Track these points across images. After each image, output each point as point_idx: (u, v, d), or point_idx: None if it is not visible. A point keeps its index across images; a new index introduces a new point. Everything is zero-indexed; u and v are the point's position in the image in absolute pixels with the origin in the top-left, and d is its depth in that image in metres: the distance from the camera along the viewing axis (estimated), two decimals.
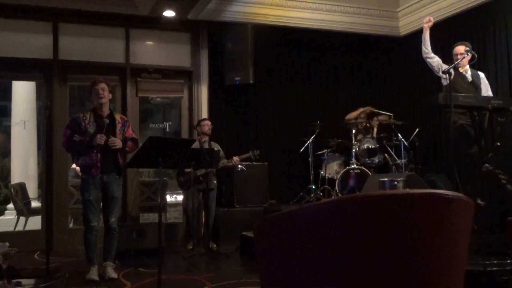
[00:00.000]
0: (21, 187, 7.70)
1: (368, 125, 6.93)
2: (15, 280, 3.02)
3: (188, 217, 5.98)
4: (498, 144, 4.71)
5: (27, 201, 7.57)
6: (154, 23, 6.61)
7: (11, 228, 7.08)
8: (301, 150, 6.76)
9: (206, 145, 5.82)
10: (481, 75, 5.33)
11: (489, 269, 2.97)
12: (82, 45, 6.45)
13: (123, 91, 6.68)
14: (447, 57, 5.64)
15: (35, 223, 6.84)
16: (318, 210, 1.50)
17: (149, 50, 6.87)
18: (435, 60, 5.27)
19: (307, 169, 6.70)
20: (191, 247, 5.81)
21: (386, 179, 4.30)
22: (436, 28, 6.96)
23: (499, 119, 4.79)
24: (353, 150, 6.50)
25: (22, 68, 6.39)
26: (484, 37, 6.31)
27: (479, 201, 4.02)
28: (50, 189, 6.18)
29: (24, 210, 7.25)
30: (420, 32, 7.32)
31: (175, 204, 8.55)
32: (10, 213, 8.20)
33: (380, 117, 7.08)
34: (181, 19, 6.57)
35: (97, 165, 4.33)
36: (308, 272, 1.51)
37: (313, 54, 7.59)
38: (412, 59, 7.34)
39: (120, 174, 4.54)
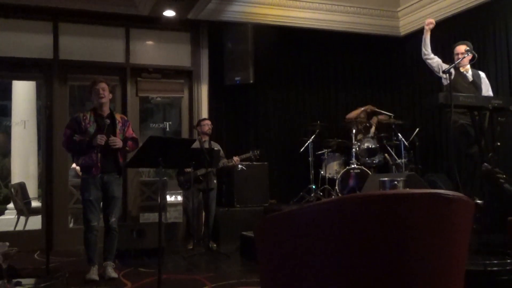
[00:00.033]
0: (21, 186, 7.71)
1: (368, 124, 6.93)
2: (15, 280, 3.02)
3: (188, 217, 5.98)
4: (499, 144, 4.71)
5: (27, 200, 7.57)
6: (154, 23, 6.61)
7: (11, 228, 7.08)
8: (301, 150, 6.76)
9: (206, 145, 5.82)
10: (482, 74, 5.33)
11: (489, 269, 2.97)
12: (82, 45, 6.45)
13: (123, 91, 6.68)
14: (447, 57, 5.64)
15: (35, 223, 6.84)
16: (318, 210, 1.50)
17: (149, 50, 6.87)
18: (434, 61, 5.26)
19: (307, 169, 6.69)
20: (191, 247, 5.81)
21: (386, 179, 4.31)
22: (436, 28, 6.94)
23: (499, 118, 4.79)
24: (353, 150, 6.49)
25: (22, 67, 6.40)
26: (484, 37, 6.31)
27: (477, 200, 4.02)
28: (50, 189, 6.18)
29: (24, 209, 7.25)
30: (420, 32, 7.32)
31: (175, 204, 8.55)
32: (10, 213, 8.20)
33: (380, 116, 7.08)
34: (181, 19, 6.57)
35: (97, 165, 4.33)
36: (308, 272, 1.51)
37: (314, 54, 7.59)
38: (412, 59, 7.34)
39: (120, 174, 4.54)
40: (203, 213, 6.13)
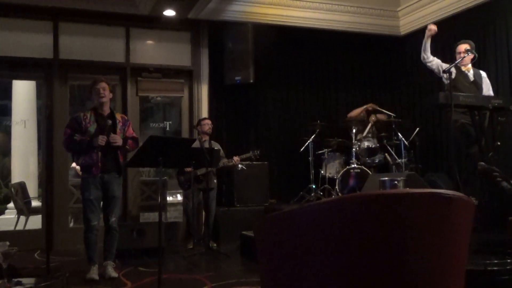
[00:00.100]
0: (21, 186, 7.71)
1: (368, 121, 6.94)
2: (15, 279, 3.02)
3: (188, 216, 5.98)
4: (499, 143, 4.72)
5: (27, 200, 7.57)
6: (155, 23, 6.61)
7: (11, 227, 7.08)
8: (302, 150, 6.75)
9: (206, 145, 5.82)
10: (483, 74, 5.33)
11: (489, 268, 2.97)
12: (83, 44, 6.45)
13: (123, 91, 6.68)
14: (448, 56, 5.65)
15: (35, 222, 6.85)
16: (319, 210, 1.50)
17: (150, 50, 6.87)
18: (434, 63, 5.25)
19: (308, 168, 6.69)
20: (191, 247, 5.81)
21: (386, 178, 4.31)
22: (436, 28, 6.95)
23: (499, 118, 4.80)
24: (354, 149, 6.49)
25: (23, 67, 6.40)
26: (485, 37, 6.30)
27: (473, 199, 4.01)
28: (50, 189, 6.18)
29: (24, 209, 7.25)
30: (421, 31, 7.31)
31: (175, 204, 8.55)
32: (11, 212, 8.21)
33: (378, 115, 7.08)
34: (182, 18, 6.57)
35: (98, 165, 4.33)
36: (308, 272, 1.51)
37: (314, 53, 7.59)
38: (413, 58, 7.33)
39: (120, 173, 4.54)
40: (203, 213, 6.14)
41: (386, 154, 6.65)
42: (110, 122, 4.39)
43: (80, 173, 4.92)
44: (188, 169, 5.61)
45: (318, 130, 6.73)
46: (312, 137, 6.70)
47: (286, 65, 7.48)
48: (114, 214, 4.47)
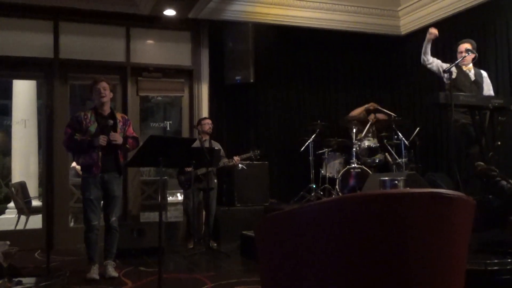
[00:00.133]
0: (22, 186, 7.71)
1: (369, 120, 6.94)
2: (16, 279, 3.02)
3: (189, 216, 5.98)
4: (499, 143, 4.71)
5: (27, 200, 7.57)
6: (155, 22, 6.61)
7: (11, 227, 7.08)
8: (302, 149, 6.75)
9: (206, 144, 5.82)
10: (484, 74, 5.33)
11: (489, 268, 2.97)
12: (83, 44, 6.45)
13: (123, 90, 6.68)
14: (448, 56, 5.64)
15: (35, 222, 6.84)
16: (319, 209, 1.50)
17: (150, 49, 6.87)
18: (434, 65, 5.25)
19: (308, 168, 6.69)
20: (191, 246, 5.81)
21: (386, 178, 4.30)
22: (437, 27, 6.93)
23: (499, 118, 4.79)
24: (354, 149, 6.49)
25: (23, 67, 6.40)
26: (485, 36, 6.30)
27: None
28: (50, 188, 6.18)
29: (25, 209, 7.25)
30: (421, 31, 7.31)
31: (175, 203, 8.55)
32: (11, 212, 8.21)
33: (378, 115, 7.08)
34: (182, 18, 6.57)
35: (98, 164, 4.33)
36: (308, 271, 1.51)
37: (314, 53, 7.59)
38: (413, 58, 7.32)
39: (121, 173, 4.54)
40: (204, 212, 6.14)
41: (387, 153, 6.65)
42: (111, 122, 4.39)
43: (80, 172, 4.92)
44: (189, 169, 5.61)
45: (318, 130, 6.72)
46: (313, 136, 6.70)
47: (286, 64, 7.48)
48: (114, 214, 4.47)
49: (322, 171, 6.73)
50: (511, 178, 4.05)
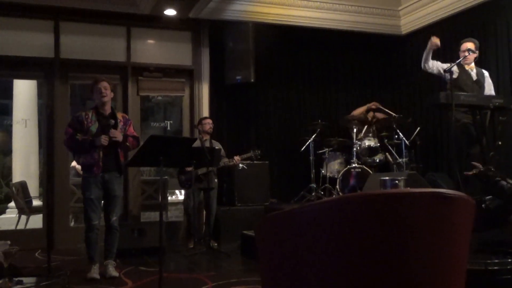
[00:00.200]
0: (22, 185, 7.71)
1: (369, 119, 6.94)
2: (16, 279, 3.03)
3: (189, 215, 5.99)
4: (500, 143, 4.71)
5: (28, 199, 7.57)
6: (155, 22, 6.61)
7: (12, 227, 7.09)
8: (302, 149, 6.75)
9: (207, 144, 5.82)
10: (486, 73, 5.33)
11: (490, 268, 2.97)
12: (84, 43, 6.46)
13: (124, 90, 6.68)
14: (448, 56, 5.64)
15: (36, 221, 6.85)
16: (319, 209, 1.50)
17: (150, 49, 6.87)
18: (434, 69, 5.24)
19: (308, 168, 6.69)
20: (192, 246, 5.81)
21: (387, 178, 4.30)
22: (437, 27, 6.95)
23: (500, 118, 4.79)
24: (354, 149, 6.49)
25: (24, 66, 6.40)
26: (485, 36, 6.30)
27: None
28: (51, 188, 6.19)
29: (25, 208, 7.26)
30: (421, 31, 7.32)
31: (176, 203, 8.56)
32: (12, 212, 8.21)
33: (377, 114, 7.08)
34: (182, 18, 6.57)
35: (99, 164, 4.33)
36: (309, 271, 1.51)
37: (314, 52, 7.59)
38: (413, 58, 7.32)
39: (121, 172, 4.54)
40: (204, 212, 6.14)
41: (387, 153, 6.64)
42: (112, 121, 4.39)
43: (80, 172, 4.92)
44: (189, 169, 5.61)
45: (318, 130, 6.72)
46: (313, 136, 6.70)
47: (287, 64, 7.48)
48: (115, 214, 4.47)
49: (323, 171, 6.73)
50: (510, 178, 4.05)
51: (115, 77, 6.54)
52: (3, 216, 8.61)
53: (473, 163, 4.25)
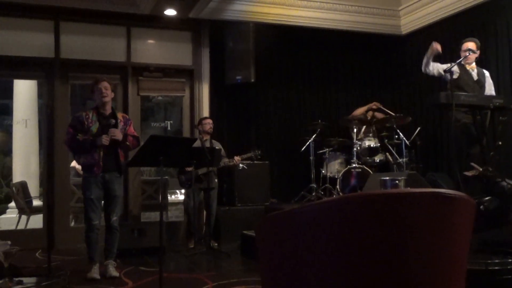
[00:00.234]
0: (23, 185, 7.71)
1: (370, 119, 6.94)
2: (16, 279, 3.03)
3: (189, 215, 5.99)
4: (500, 143, 4.71)
5: (28, 199, 7.57)
6: (156, 22, 6.62)
7: (12, 227, 7.09)
8: (302, 149, 6.75)
9: (207, 144, 5.82)
10: (487, 73, 5.33)
11: (490, 268, 2.97)
12: (84, 43, 6.46)
13: (124, 90, 6.68)
14: (448, 56, 5.63)
15: (36, 221, 6.85)
16: (319, 209, 1.50)
17: (151, 49, 6.87)
18: (435, 71, 5.23)
19: (308, 168, 6.69)
20: (192, 246, 5.81)
21: (387, 178, 4.30)
22: (437, 27, 6.94)
23: (500, 118, 4.79)
24: (355, 149, 6.49)
25: (24, 66, 6.41)
26: (486, 36, 6.29)
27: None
28: (51, 188, 6.19)
29: (26, 208, 7.26)
30: (421, 31, 7.32)
31: (176, 203, 8.56)
32: (12, 212, 8.21)
33: (376, 113, 7.07)
34: (183, 18, 6.57)
35: (99, 164, 4.33)
36: (309, 271, 1.51)
37: (315, 52, 7.59)
38: (413, 58, 7.32)
39: (121, 172, 4.54)
40: (204, 212, 6.14)
41: (387, 153, 6.64)
42: (113, 121, 4.39)
43: (79, 172, 4.92)
44: (189, 169, 5.61)
45: (319, 130, 6.72)
46: (313, 136, 6.70)
47: (287, 64, 7.48)
48: (115, 214, 4.48)
49: (323, 171, 6.73)
50: (510, 178, 4.05)
51: (115, 77, 6.54)
52: (3, 216, 8.61)
53: (472, 164, 4.25)
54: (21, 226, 7.03)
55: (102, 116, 4.43)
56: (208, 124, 6.05)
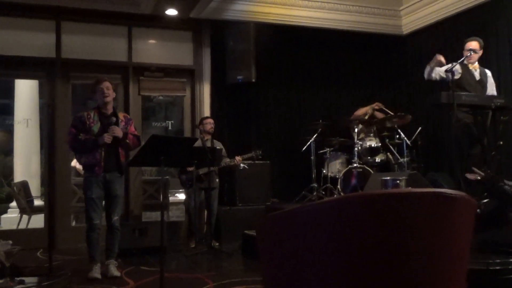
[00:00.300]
0: (24, 185, 7.73)
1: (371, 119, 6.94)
2: (18, 278, 3.04)
3: (190, 215, 5.99)
4: (501, 143, 4.71)
5: (29, 199, 7.59)
6: (157, 22, 6.62)
7: (14, 226, 7.10)
8: (303, 149, 6.75)
9: (208, 144, 5.83)
10: (489, 73, 5.32)
11: (491, 268, 2.97)
12: (85, 43, 6.47)
13: (125, 90, 6.69)
14: (449, 56, 5.62)
15: (37, 221, 6.86)
16: (320, 209, 1.50)
17: (152, 49, 6.88)
18: (437, 76, 5.17)
19: (309, 167, 6.69)
20: (193, 246, 5.81)
21: (388, 177, 4.31)
22: (438, 27, 6.94)
23: (501, 118, 4.79)
24: (356, 148, 6.49)
25: (25, 66, 6.41)
26: (487, 36, 6.28)
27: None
28: (52, 187, 6.20)
29: (27, 208, 7.27)
30: (422, 31, 7.32)
31: (177, 203, 8.55)
32: (13, 211, 8.22)
33: (376, 113, 7.07)
34: (183, 17, 6.58)
35: (101, 164, 4.33)
36: (309, 271, 1.51)
37: (315, 52, 7.59)
38: (414, 58, 7.32)
39: (122, 172, 4.54)
40: (205, 212, 6.14)
41: (388, 153, 6.64)
42: (114, 119, 4.40)
43: (80, 172, 4.92)
44: (190, 168, 5.61)
45: (320, 130, 6.72)
46: (314, 136, 6.70)
47: (288, 64, 7.48)
48: (116, 213, 4.48)
49: (324, 171, 6.73)
50: (510, 179, 4.05)
51: (116, 77, 6.55)
52: (4, 215, 8.62)
53: (474, 169, 4.25)
54: (22, 226, 7.04)
55: (103, 116, 4.43)
56: (209, 124, 6.05)
